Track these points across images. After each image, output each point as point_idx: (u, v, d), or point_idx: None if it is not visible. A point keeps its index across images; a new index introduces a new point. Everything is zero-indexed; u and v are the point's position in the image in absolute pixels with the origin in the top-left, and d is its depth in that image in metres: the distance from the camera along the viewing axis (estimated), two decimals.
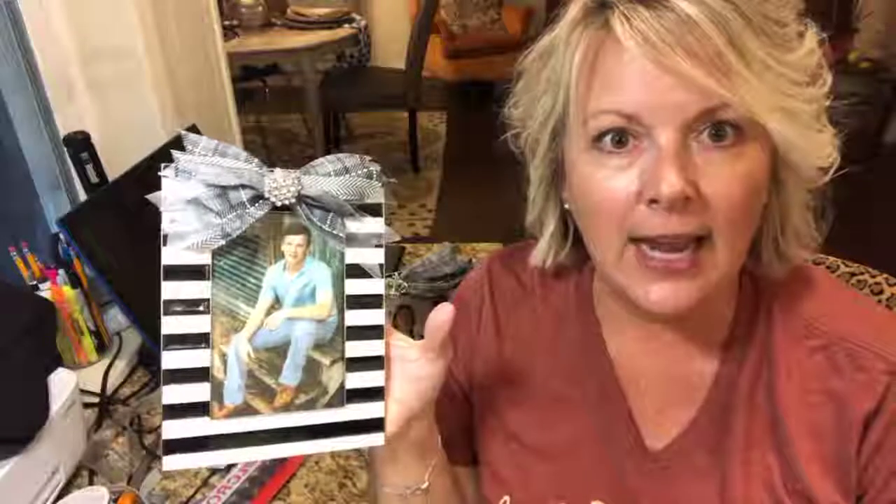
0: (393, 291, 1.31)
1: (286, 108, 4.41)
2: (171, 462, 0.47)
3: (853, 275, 0.80)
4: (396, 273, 1.36)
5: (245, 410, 0.48)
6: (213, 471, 0.95)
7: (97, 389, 1.10)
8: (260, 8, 3.64)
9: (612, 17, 0.49)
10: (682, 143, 0.48)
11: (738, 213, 0.50)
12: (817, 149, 0.52)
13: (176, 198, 0.46)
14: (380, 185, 0.51)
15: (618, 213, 0.51)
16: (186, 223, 0.46)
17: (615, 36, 0.48)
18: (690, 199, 0.48)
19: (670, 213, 0.49)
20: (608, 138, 0.51)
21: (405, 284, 1.32)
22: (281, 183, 0.47)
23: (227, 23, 3.36)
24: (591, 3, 0.51)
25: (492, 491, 0.67)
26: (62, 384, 0.93)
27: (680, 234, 0.49)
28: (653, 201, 0.49)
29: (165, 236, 0.46)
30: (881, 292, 0.77)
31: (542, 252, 0.64)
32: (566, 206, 0.60)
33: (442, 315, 0.52)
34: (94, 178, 1.19)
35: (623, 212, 0.51)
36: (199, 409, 0.47)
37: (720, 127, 0.48)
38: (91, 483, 0.94)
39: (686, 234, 0.49)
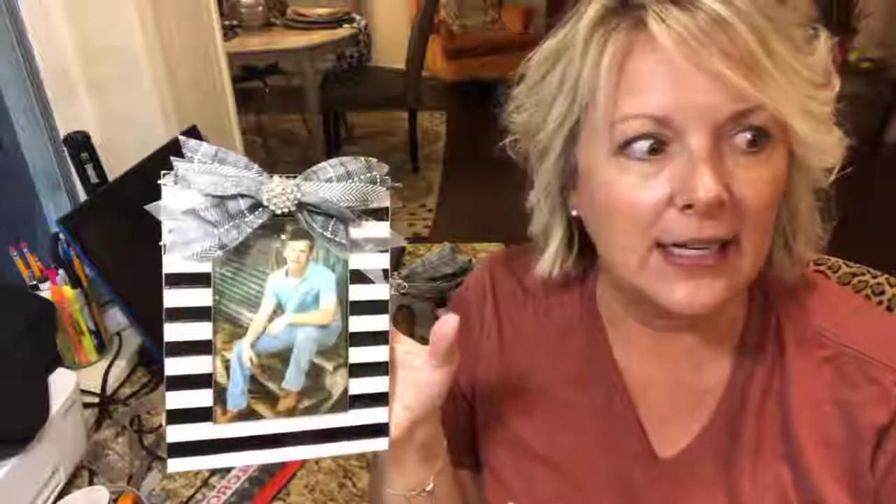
0: (393, 291, 1.31)
1: (286, 108, 4.41)
2: (176, 465, 0.47)
3: (854, 275, 0.80)
4: (396, 273, 1.36)
5: (248, 415, 0.49)
6: (213, 471, 0.95)
7: (97, 389, 1.10)
8: (260, 8, 3.64)
9: (646, 16, 0.48)
10: (714, 145, 0.48)
11: (765, 216, 0.50)
12: (830, 150, 0.52)
13: (175, 207, 0.46)
14: (384, 189, 0.50)
15: (645, 220, 0.50)
16: (185, 233, 0.46)
17: (648, 36, 0.48)
18: (724, 204, 0.47)
19: (703, 218, 0.48)
20: (638, 146, 0.49)
21: (405, 284, 1.32)
22: (279, 191, 0.47)
23: (227, 23, 3.36)
24: (612, 3, 0.51)
25: (496, 496, 0.67)
26: (62, 384, 0.92)
27: (710, 238, 0.49)
28: (687, 206, 0.48)
29: (164, 246, 0.46)
30: (882, 293, 0.77)
31: (549, 263, 0.63)
32: (573, 212, 0.59)
33: (447, 325, 0.51)
34: (94, 178, 1.19)
35: (650, 219, 0.50)
36: (202, 413, 0.48)
37: (751, 130, 0.48)
38: (91, 483, 0.94)
39: (715, 238, 0.49)
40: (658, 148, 0.49)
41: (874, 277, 0.78)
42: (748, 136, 0.48)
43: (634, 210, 0.50)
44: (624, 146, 0.50)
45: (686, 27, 0.46)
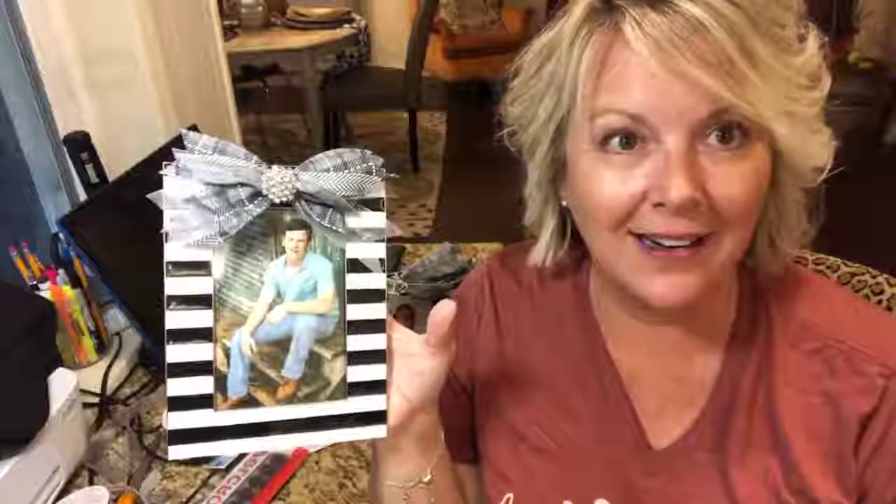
0: (393, 291, 1.31)
1: (286, 108, 4.41)
2: (177, 451, 0.48)
3: (853, 275, 0.80)
4: (396, 273, 1.36)
5: (249, 402, 0.49)
6: (213, 471, 0.95)
7: (97, 389, 1.10)
8: (260, 8, 3.64)
9: (622, 21, 0.48)
10: (690, 146, 0.48)
11: (744, 213, 0.50)
12: (816, 150, 0.52)
13: (176, 196, 0.47)
14: (380, 179, 0.51)
15: (620, 213, 0.51)
16: (186, 221, 0.47)
17: (625, 39, 0.48)
18: (699, 203, 0.48)
19: (676, 217, 0.49)
20: (615, 140, 0.51)
21: (405, 284, 1.32)
22: (278, 180, 0.47)
23: (227, 23, 3.36)
24: (596, 3, 0.51)
25: (494, 489, 0.67)
26: (62, 384, 0.93)
27: (684, 234, 0.50)
28: (659, 204, 0.49)
29: (166, 234, 0.46)
30: (882, 292, 0.77)
31: (542, 251, 0.64)
32: (564, 203, 0.60)
33: (444, 311, 0.52)
34: (94, 178, 1.19)
35: (626, 212, 0.51)
36: (202, 400, 0.48)
37: (728, 129, 0.48)
38: (91, 483, 0.94)
39: (689, 235, 0.50)
40: (634, 143, 0.50)
41: (873, 277, 0.78)
42: (725, 134, 0.49)
43: (609, 202, 0.51)
44: (603, 141, 0.51)
45: (662, 31, 0.46)
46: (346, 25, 3.70)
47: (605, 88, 0.50)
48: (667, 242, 0.51)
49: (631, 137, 0.50)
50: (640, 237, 0.52)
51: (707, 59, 0.46)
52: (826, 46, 0.52)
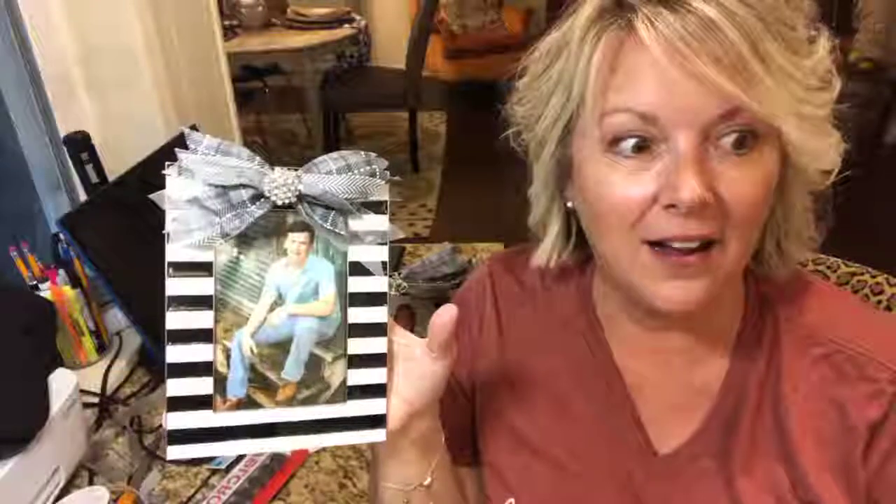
0: (393, 291, 1.31)
1: (286, 108, 4.41)
2: (175, 452, 0.48)
3: (853, 275, 0.80)
4: (396, 273, 1.36)
5: (248, 403, 0.49)
6: (213, 471, 0.95)
7: (97, 389, 1.10)
8: (260, 8, 3.65)
9: (635, 19, 0.48)
10: (701, 147, 0.48)
11: (753, 216, 0.50)
12: (825, 152, 0.52)
13: (178, 196, 0.46)
14: (383, 182, 0.50)
15: (631, 216, 0.51)
16: (188, 222, 0.46)
17: (637, 38, 0.48)
18: (709, 205, 0.48)
19: (687, 218, 0.48)
20: (625, 144, 0.50)
21: (405, 284, 1.32)
22: (281, 182, 0.47)
23: (227, 23, 3.37)
24: (606, 3, 0.51)
25: (496, 493, 0.67)
26: (62, 384, 0.93)
27: (695, 235, 0.49)
28: (670, 206, 0.49)
29: (168, 234, 0.46)
30: (881, 292, 0.77)
31: (546, 252, 0.64)
32: (569, 204, 0.60)
33: (445, 315, 0.52)
34: (94, 178, 1.19)
35: (637, 215, 0.50)
36: (202, 401, 0.48)
37: (739, 131, 0.48)
38: (91, 483, 0.94)
39: (700, 236, 0.49)
40: (645, 146, 0.50)
41: (873, 277, 0.78)
42: (736, 137, 0.48)
43: (620, 206, 0.51)
44: (612, 143, 0.51)
45: (675, 30, 0.46)
46: (346, 25, 3.70)
47: (614, 88, 0.50)
48: (678, 245, 0.50)
49: (642, 142, 0.50)
50: (651, 245, 0.51)
51: (720, 59, 0.46)
52: (836, 49, 0.52)
